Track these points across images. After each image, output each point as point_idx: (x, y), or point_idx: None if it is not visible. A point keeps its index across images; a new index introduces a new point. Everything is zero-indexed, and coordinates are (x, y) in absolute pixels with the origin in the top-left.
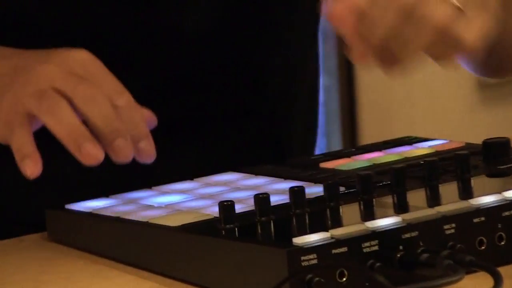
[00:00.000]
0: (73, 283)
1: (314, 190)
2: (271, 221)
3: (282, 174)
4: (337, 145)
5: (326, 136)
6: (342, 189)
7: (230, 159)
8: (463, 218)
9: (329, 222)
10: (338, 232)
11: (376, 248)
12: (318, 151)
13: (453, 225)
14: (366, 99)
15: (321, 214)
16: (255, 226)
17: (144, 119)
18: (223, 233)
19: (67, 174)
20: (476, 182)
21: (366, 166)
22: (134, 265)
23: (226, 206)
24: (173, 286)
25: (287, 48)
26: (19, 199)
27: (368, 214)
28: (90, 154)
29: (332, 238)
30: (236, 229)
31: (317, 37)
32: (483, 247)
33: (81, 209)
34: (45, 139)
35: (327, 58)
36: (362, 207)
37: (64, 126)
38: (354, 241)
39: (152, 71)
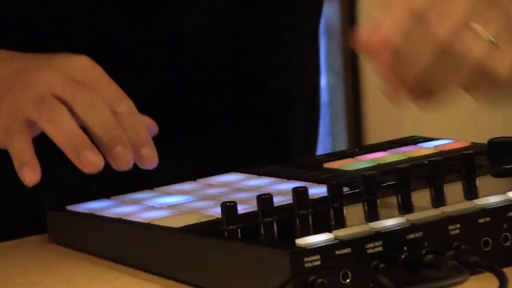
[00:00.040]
0: (74, 285)
1: (317, 190)
2: (274, 222)
3: (285, 174)
4: (342, 145)
5: (332, 136)
6: (346, 189)
7: (230, 159)
8: (468, 219)
9: (333, 222)
10: (341, 233)
11: (380, 249)
12: (323, 151)
13: (458, 225)
14: (372, 98)
15: (324, 215)
16: (258, 227)
17: (145, 125)
18: (226, 234)
19: (68, 175)
20: (481, 182)
21: (370, 166)
22: (136, 267)
23: (229, 207)
24: None
25: (287, 48)
26: (20, 200)
27: (372, 215)
28: (90, 162)
29: (335, 239)
30: (239, 230)
31: (317, 37)
32: (488, 248)
33: (82, 210)
34: (46, 140)
35: (332, 57)
36: (366, 207)
37: (64, 133)
38: (358, 242)
39: (153, 71)
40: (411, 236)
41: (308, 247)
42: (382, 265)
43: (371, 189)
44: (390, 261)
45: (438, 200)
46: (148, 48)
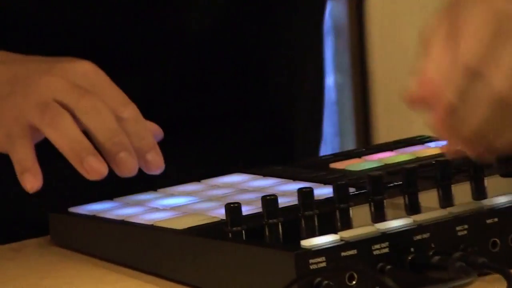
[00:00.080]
0: None
1: (323, 191)
2: (279, 223)
3: (291, 175)
4: (350, 145)
5: (340, 136)
6: (352, 190)
7: (232, 159)
8: (476, 219)
9: (339, 224)
10: (347, 234)
11: (386, 250)
12: (331, 151)
13: (466, 226)
14: (380, 97)
15: (330, 216)
16: (262, 229)
17: (150, 131)
18: (230, 235)
19: (71, 177)
20: (489, 182)
21: (376, 167)
22: (139, 269)
23: (233, 208)
24: None
25: (288, 48)
26: (22, 202)
27: (379, 216)
28: (93, 169)
29: (341, 240)
30: (243, 231)
31: (320, 36)
32: (496, 249)
33: (85, 212)
34: (48, 141)
35: (340, 55)
36: (372, 208)
37: (67, 140)
38: (364, 243)
39: (153, 71)
40: (418, 237)
41: (314, 249)
42: (388, 266)
43: (377, 189)
44: (396, 262)
45: (446, 200)
46: (149, 49)
